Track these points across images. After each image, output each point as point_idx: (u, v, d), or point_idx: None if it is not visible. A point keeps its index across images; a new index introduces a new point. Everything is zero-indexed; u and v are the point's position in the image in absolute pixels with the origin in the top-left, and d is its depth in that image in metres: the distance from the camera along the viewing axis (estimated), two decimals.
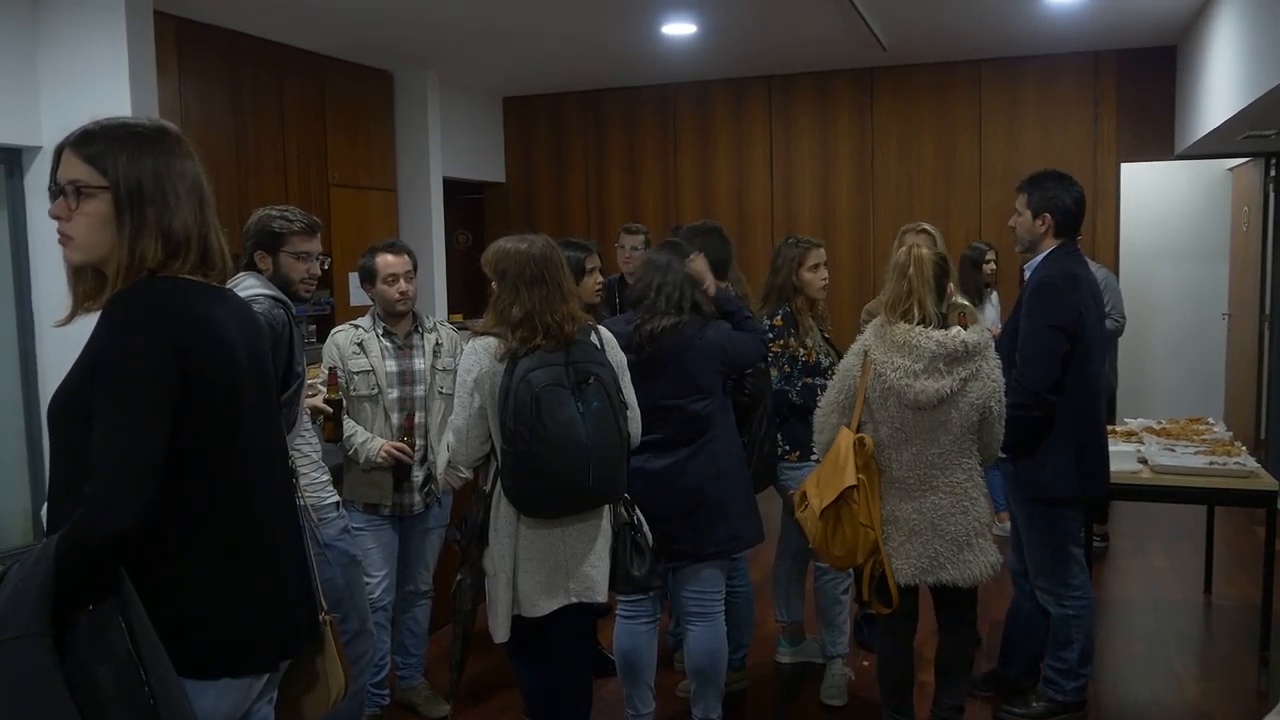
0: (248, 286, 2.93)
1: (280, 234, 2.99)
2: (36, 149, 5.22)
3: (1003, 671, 3.91)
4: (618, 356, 3.06)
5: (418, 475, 3.60)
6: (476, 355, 2.91)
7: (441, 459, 3.68)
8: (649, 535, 3.12)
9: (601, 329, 3.09)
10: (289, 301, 2.94)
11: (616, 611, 3.48)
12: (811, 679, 4.11)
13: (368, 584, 3.40)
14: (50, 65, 5.17)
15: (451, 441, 2.95)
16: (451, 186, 7.97)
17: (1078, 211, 3.61)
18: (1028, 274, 3.63)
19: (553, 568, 2.94)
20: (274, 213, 3.05)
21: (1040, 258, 3.59)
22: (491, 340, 2.91)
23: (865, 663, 4.16)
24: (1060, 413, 3.44)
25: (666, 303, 3.29)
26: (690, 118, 8.46)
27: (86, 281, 1.77)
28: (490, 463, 2.97)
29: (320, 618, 2.03)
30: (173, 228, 1.73)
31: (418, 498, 3.62)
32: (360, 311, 3.91)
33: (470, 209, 8.91)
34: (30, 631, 1.53)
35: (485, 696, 4.00)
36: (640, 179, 8.63)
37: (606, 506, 3.02)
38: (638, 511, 3.11)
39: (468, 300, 8.10)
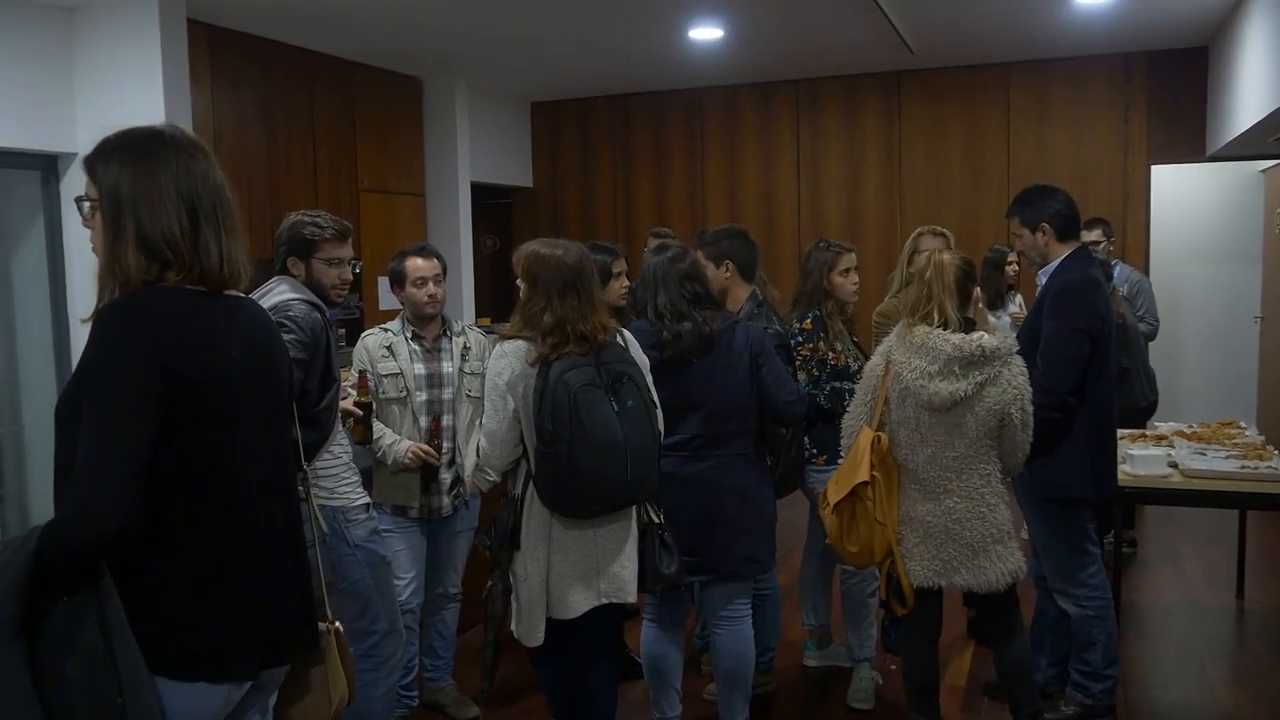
0: (280, 292, 2.96)
1: (312, 240, 3.03)
2: (72, 155, 5.31)
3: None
4: (642, 356, 3.08)
5: (445, 478, 3.63)
6: (507, 359, 2.91)
7: (469, 462, 3.69)
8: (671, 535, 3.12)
9: (625, 331, 3.10)
10: (324, 306, 2.97)
11: (643, 614, 3.49)
12: (839, 682, 4.11)
13: (396, 586, 3.43)
14: (86, 74, 5.26)
15: (484, 445, 2.94)
16: (479, 191, 8.02)
17: (1071, 213, 3.64)
18: (1042, 279, 3.65)
19: (585, 569, 2.94)
20: (306, 219, 3.08)
21: (1055, 264, 3.60)
22: (521, 344, 2.91)
23: (893, 666, 4.14)
24: (1078, 415, 3.44)
25: (672, 312, 3.28)
26: (717, 122, 8.47)
27: (108, 287, 1.80)
28: (521, 467, 2.97)
29: (322, 627, 2.04)
30: (150, 238, 1.73)
31: (446, 500, 3.65)
32: (389, 316, 3.95)
33: (498, 214, 8.95)
34: None
35: (514, 699, 4.02)
36: (667, 183, 8.64)
37: (634, 506, 3.03)
38: (660, 511, 3.11)
39: (495, 304, 8.14)
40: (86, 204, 1.80)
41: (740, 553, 3.32)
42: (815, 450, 3.91)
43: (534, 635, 2.95)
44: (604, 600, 2.98)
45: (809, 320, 3.93)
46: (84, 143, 5.16)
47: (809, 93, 8.19)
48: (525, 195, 9.01)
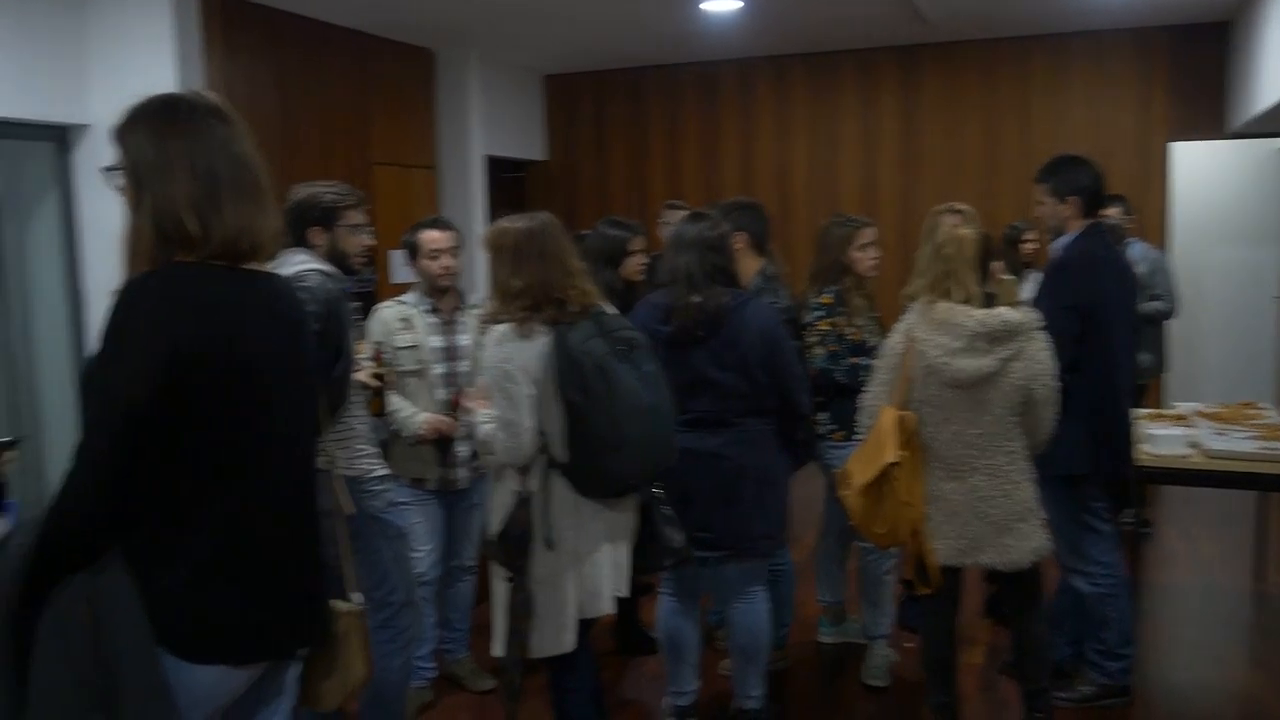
0: (298, 262, 2.94)
1: (334, 208, 3.01)
2: (84, 127, 5.28)
3: None
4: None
5: (463, 450, 3.62)
6: (505, 343, 2.77)
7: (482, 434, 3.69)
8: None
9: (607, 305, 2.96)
10: (341, 276, 2.95)
11: (659, 590, 3.48)
12: (853, 659, 4.10)
13: (413, 558, 3.42)
14: (98, 44, 5.22)
15: (503, 439, 2.75)
16: (493, 165, 7.97)
17: (1099, 189, 3.61)
18: (1058, 251, 3.63)
19: (616, 555, 2.85)
20: (323, 188, 3.06)
21: (1069, 238, 3.57)
22: (511, 324, 2.78)
23: (907, 644, 4.13)
24: (1075, 392, 3.37)
25: (689, 283, 3.23)
26: (732, 96, 8.39)
27: (130, 259, 1.77)
28: (535, 460, 2.79)
29: (344, 607, 2.03)
30: (164, 211, 1.70)
31: (463, 473, 3.64)
32: (401, 289, 3.93)
33: (512, 187, 8.90)
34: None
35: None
36: (682, 157, 8.58)
37: None
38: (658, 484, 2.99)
39: None
40: (116, 174, 1.76)
41: (756, 530, 3.29)
42: (835, 426, 3.88)
43: (564, 641, 2.81)
44: (620, 592, 2.88)
45: (828, 295, 3.90)
46: (96, 114, 5.21)
47: (824, 67, 8.11)
48: (539, 169, 8.96)
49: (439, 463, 3.59)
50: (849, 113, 8.09)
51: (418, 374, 3.58)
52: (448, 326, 3.65)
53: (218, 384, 1.69)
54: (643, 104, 8.64)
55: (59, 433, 5.34)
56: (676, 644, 3.41)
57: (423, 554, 3.59)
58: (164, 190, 1.70)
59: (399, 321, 3.61)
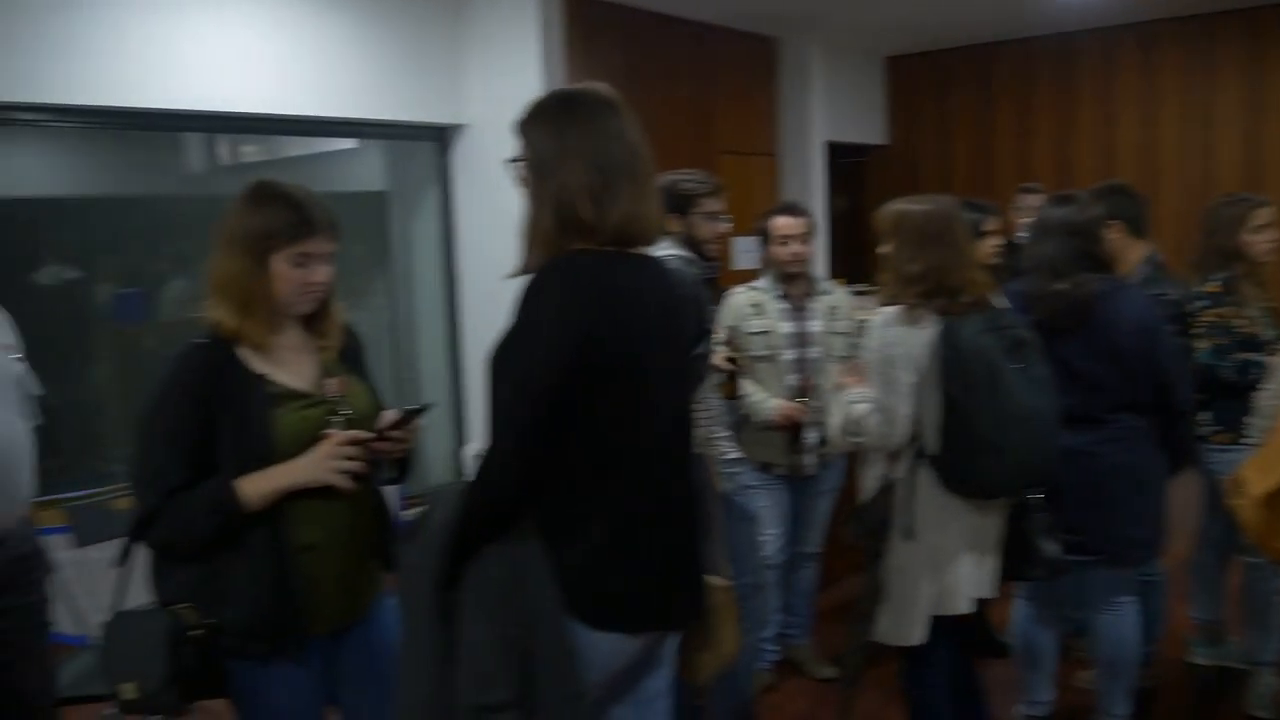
0: (658, 249, 3.05)
1: (692, 196, 3.10)
2: (461, 127, 5.76)
3: None
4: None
5: (811, 437, 3.62)
6: (892, 327, 2.70)
7: (835, 422, 3.67)
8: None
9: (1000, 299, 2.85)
10: (698, 262, 3.04)
11: (1017, 594, 3.32)
12: (1231, 685, 3.72)
13: (760, 542, 3.46)
14: (473, 48, 5.67)
15: (877, 423, 2.72)
16: (831, 151, 7.90)
17: None
18: None
19: (979, 557, 2.74)
20: (681, 176, 3.16)
21: None
22: (900, 308, 2.72)
23: None
24: None
25: (1053, 270, 3.03)
26: (1090, 68, 7.82)
27: (528, 248, 1.87)
28: (905, 450, 2.74)
29: (715, 584, 2.06)
30: (562, 201, 1.78)
31: (811, 459, 3.64)
32: (745, 276, 3.98)
33: (851, 173, 8.79)
34: (424, 565, 1.79)
35: None
36: (1031, 137, 8.11)
37: None
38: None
39: (848, 265, 8.02)
40: (518, 166, 1.88)
41: (1132, 535, 3.06)
42: (1218, 428, 3.53)
43: (913, 633, 2.76)
44: (986, 594, 2.77)
45: (1215, 283, 3.55)
46: (471, 115, 5.66)
47: (1202, 31, 7.36)
48: (879, 154, 8.79)
49: (788, 449, 3.61)
50: (1231, 80, 7.30)
51: (768, 359, 3.61)
52: (798, 312, 3.66)
53: (615, 367, 1.77)
54: (989, 82, 8.25)
55: (437, 403, 5.88)
56: (1034, 653, 3.25)
57: (769, 538, 3.63)
58: (562, 180, 1.79)
59: (750, 307, 3.66)
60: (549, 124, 1.84)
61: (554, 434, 1.74)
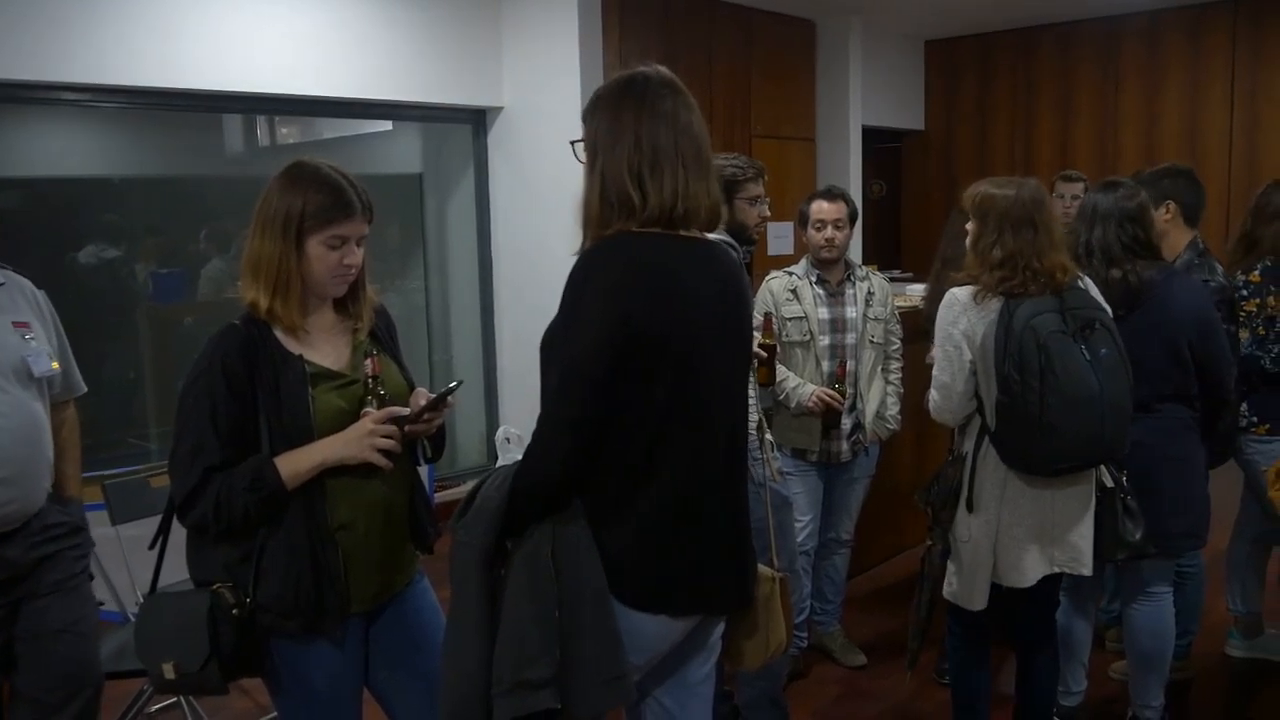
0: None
1: (735, 180, 3.09)
2: (498, 109, 5.76)
3: None
4: (1104, 302, 2.79)
5: (846, 423, 3.60)
6: (960, 305, 2.70)
7: (870, 408, 3.66)
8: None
9: (1086, 278, 2.82)
10: (738, 245, 3.02)
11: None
12: (1270, 679, 3.67)
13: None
14: (510, 31, 5.67)
15: (936, 398, 2.76)
16: (867, 135, 7.83)
17: None
18: None
19: (1040, 533, 2.71)
20: (724, 160, 3.14)
21: None
22: (968, 288, 2.70)
23: None
24: None
25: (1106, 257, 2.99)
26: (1134, 53, 7.68)
27: (583, 229, 1.87)
28: (973, 422, 2.76)
29: (769, 573, 2.07)
30: (611, 183, 1.79)
31: (845, 446, 3.63)
32: (779, 261, 3.96)
33: (887, 158, 8.72)
34: (473, 542, 1.80)
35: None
36: (1073, 122, 7.99)
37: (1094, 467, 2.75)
38: (1125, 472, 2.81)
39: (882, 251, 7.97)
40: (579, 146, 1.89)
41: (1177, 527, 3.01)
42: (1256, 419, 3.48)
43: (976, 599, 2.76)
44: (1055, 569, 2.74)
45: (1257, 271, 3.49)
46: (508, 97, 5.67)
47: (1251, 13, 7.21)
48: (915, 139, 8.70)
49: (822, 435, 3.59)
50: (1276, 65, 7.15)
51: (804, 345, 3.60)
52: (834, 299, 3.64)
53: (662, 347, 1.76)
54: (1031, 66, 8.13)
55: (468, 387, 5.91)
56: (1068, 642, 3.21)
57: (803, 524, 3.61)
58: (611, 160, 1.80)
59: (787, 292, 3.63)
60: (608, 105, 1.85)
61: (603, 415, 1.75)
